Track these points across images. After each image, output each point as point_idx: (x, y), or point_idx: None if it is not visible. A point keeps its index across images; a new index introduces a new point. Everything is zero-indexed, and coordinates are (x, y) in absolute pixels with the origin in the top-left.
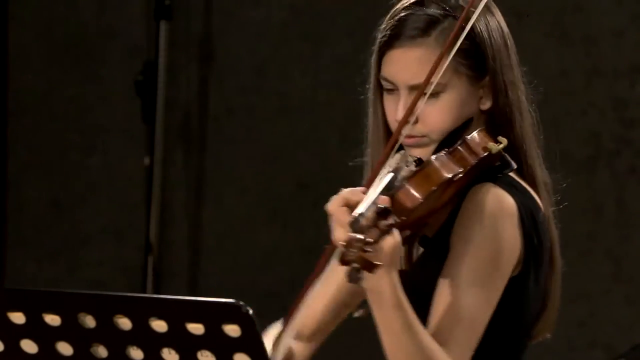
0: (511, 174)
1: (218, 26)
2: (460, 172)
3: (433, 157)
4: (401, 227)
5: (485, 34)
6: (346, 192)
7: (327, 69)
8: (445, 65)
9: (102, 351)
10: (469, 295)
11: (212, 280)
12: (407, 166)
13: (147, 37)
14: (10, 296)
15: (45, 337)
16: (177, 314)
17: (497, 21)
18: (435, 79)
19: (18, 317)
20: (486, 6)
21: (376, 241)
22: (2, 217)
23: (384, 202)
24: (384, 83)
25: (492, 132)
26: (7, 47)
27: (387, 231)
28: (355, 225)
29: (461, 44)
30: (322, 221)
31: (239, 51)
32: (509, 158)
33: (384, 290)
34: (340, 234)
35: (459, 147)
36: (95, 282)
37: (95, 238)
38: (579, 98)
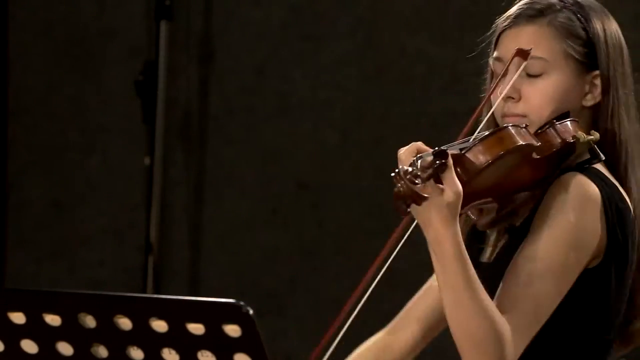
0: (602, 169)
1: (218, 26)
2: (538, 148)
3: (510, 124)
4: (463, 186)
5: (601, 31)
6: (418, 143)
7: (327, 69)
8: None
9: (102, 351)
10: (540, 278)
11: (212, 280)
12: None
13: (147, 37)
14: (10, 296)
15: (46, 337)
16: (177, 314)
17: (615, 27)
18: (541, 54)
19: (18, 317)
20: (603, 12)
21: (427, 177)
22: (2, 217)
23: (447, 155)
24: (495, 66)
25: (593, 128)
26: (7, 47)
27: (438, 168)
28: (413, 165)
29: (577, 32)
30: (322, 221)
31: (239, 51)
32: (597, 150)
33: (444, 241)
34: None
35: (547, 129)
36: (95, 282)
37: (95, 238)
38: None
